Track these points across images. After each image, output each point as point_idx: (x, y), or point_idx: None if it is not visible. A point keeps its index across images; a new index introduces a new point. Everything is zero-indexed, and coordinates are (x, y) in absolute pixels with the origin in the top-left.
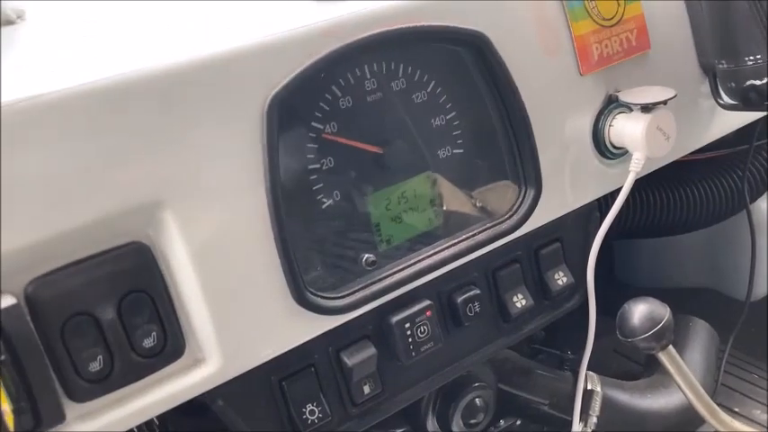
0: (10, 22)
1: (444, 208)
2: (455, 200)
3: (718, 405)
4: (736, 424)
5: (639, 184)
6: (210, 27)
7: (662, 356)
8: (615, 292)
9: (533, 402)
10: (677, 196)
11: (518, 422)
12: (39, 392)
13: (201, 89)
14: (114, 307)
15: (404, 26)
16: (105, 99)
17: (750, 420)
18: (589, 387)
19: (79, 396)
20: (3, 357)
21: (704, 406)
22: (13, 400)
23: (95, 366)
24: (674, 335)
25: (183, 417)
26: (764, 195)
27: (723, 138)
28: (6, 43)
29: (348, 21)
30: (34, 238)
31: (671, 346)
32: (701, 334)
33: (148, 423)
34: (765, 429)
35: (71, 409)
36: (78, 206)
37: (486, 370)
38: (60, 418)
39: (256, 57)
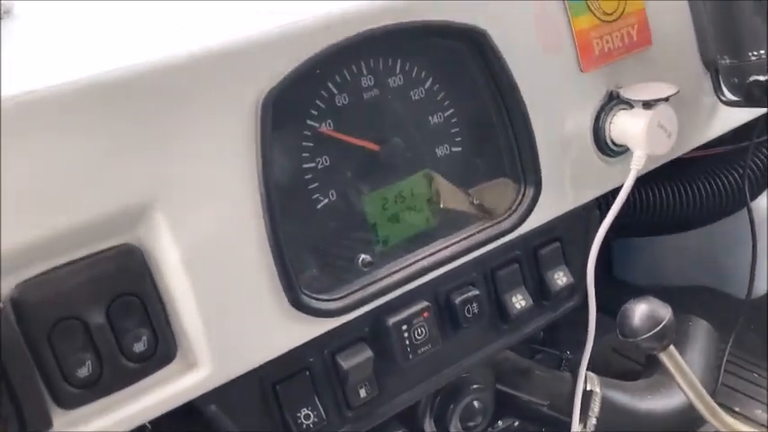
0: None
1: (442, 207)
2: (453, 199)
3: (719, 405)
4: (738, 424)
5: (638, 181)
6: (203, 22)
7: (663, 357)
8: (613, 290)
9: (532, 403)
10: (677, 194)
11: (516, 423)
12: (24, 398)
13: (194, 85)
14: (103, 311)
15: (402, 21)
16: (96, 96)
17: (751, 420)
18: (588, 388)
19: (67, 403)
20: None
21: (706, 407)
22: None
23: (84, 372)
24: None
25: (176, 421)
26: (764, 193)
27: (723, 135)
28: None
29: (345, 16)
30: (21, 240)
31: (672, 347)
32: (700, 333)
33: (141, 428)
34: (766, 429)
35: (58, 415)
36: (67, 207)
37: (484, 371)
38: (47, 425)
39: (251, 52)
